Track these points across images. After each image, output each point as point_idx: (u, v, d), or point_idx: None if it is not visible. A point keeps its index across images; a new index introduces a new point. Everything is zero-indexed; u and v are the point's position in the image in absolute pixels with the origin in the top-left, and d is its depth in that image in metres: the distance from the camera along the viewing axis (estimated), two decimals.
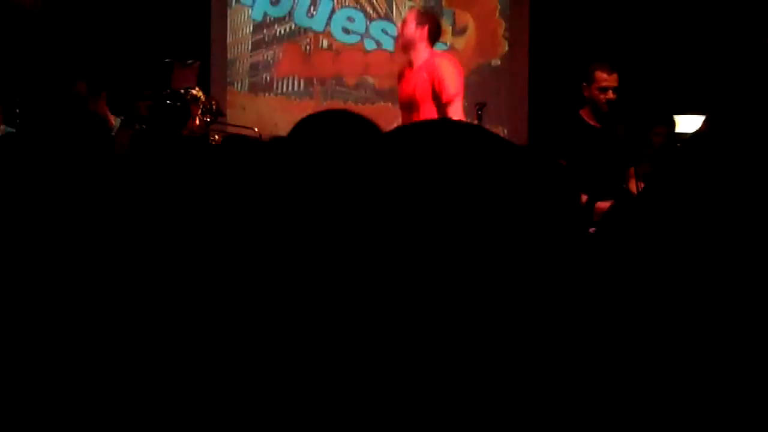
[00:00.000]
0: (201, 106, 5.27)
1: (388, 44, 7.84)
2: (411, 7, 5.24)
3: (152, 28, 7.67)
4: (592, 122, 4.78)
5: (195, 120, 5.28)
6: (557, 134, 4.84)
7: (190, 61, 5.63)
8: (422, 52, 5.08)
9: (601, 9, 7.58)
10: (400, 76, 5.25)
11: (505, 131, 7.77)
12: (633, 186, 4.80)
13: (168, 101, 5.08)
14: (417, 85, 4.97)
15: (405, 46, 5.14)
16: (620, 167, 4.80)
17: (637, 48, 7.38)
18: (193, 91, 5.23)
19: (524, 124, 7.78)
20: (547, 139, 4.92)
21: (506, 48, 7.82)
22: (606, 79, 4.71)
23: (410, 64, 5.13)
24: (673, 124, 6.71)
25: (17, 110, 5.80)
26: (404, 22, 5.19)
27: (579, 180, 4.43)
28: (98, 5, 7.63)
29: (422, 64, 5.04)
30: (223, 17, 7.94)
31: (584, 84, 4.77)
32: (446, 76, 4.89)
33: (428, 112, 4.87)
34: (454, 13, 7.80)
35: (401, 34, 5.20)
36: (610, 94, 4.70)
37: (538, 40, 7.75)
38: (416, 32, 5.05)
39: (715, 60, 7.39)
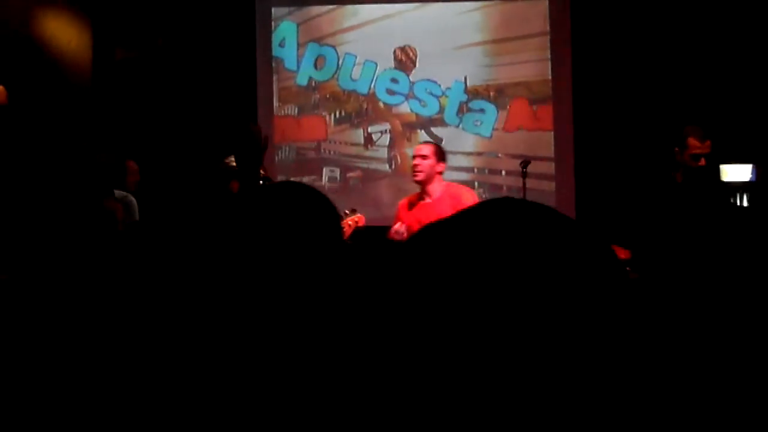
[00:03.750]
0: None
1: (433, 104, 7.94)
2: (426, 142, 5.59)
3: (199, 95, 7.83)
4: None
5: None
6: (651, 195, 4.89)
7: None
8: (438, 184, 5.36)
9: (644, 60, 7.61)
10: (410, 206, 5.46)
11: (553, 187, 7.79)
12: None
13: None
14: (442, 215, 5.03)
15: (425, 179, 5.27)
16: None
17: (681, 98, 7.39)
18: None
19: (571, 179, 7.79)
20: (640, 200, 4.96)
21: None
22: (699, 146, 4.79)
23: (424, 196, 5.35)
24: None
25: None
26: (423, 156, 5.33)
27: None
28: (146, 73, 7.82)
29: (441, 195, 5.32)
30: (269, 83, 8.07)
31: (677, 149, 4.84)
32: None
33: None
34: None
35: (420, 168, 5.32)
36: (702, 162, 4.77)
37: (581, 93, 7.78)
38: (436, 167, 5.28)
39: (760, 109, 7.37)
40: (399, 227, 5.27)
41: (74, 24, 7.42)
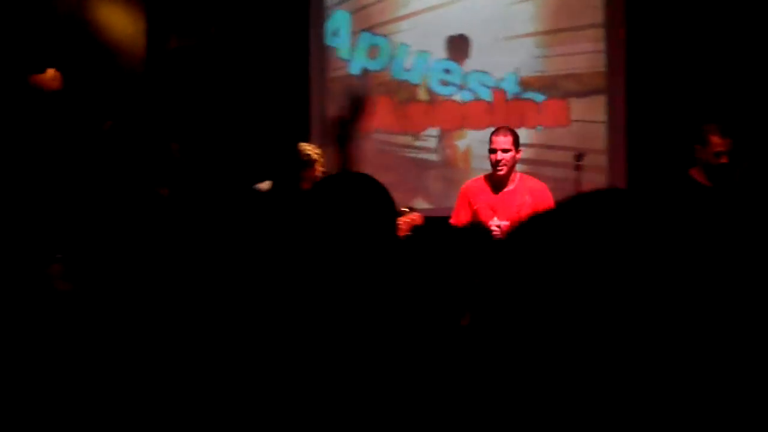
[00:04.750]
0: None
1: (485, 95, 7.86)
2: (505, 130, 5.30)
3: (251, 83, 7.85)
4: (703, 182, 4.73)
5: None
6: (669, 193, 4.78)
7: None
8: (514, 173, 5.32)
9: (702, 53, 7.45)
10: (478, 192, 5.36)
11: (604, 179, 7.69)
12: None
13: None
14: (521, 207, 5.08)
15: (507, 170, 5.21)
16: None
17: (739, 92, 7.23)
18: (315, 154, 5.22)
19: (623, 172, 7.68)
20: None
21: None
22: (720, 143, 4.68)
23: (499, 184, 5.28)
24: None
25: None
26: (505, 150, 5.21)
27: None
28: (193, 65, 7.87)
29: (518, 186, 5.27)
30: (323, 71, 8.08)
31: (698, 146, 4.74)
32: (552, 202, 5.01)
33: None
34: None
35: (504, 163, 5.21)
36: (724, 159, 4.66)
37: (635, 85, 7.66)
38: (516, 157, 5.28)
39: None
40: (495, 221, 5.08)
41: (128, 11, 7.50)
